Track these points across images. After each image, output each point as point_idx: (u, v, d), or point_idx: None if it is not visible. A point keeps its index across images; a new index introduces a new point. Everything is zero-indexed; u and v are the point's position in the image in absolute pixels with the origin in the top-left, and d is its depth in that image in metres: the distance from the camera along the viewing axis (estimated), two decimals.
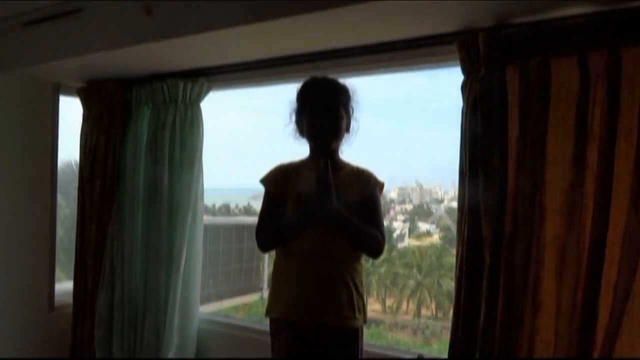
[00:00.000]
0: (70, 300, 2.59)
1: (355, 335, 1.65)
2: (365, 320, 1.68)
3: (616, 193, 1.43)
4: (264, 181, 1.76)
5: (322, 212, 1.56)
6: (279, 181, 1.73)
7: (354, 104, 1.73)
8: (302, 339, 1.63)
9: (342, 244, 1.63)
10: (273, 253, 1.77)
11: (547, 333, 1.49)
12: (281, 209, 1.68)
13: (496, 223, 1.55)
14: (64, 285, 2.75)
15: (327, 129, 1.67)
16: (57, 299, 2.64)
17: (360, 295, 1.66)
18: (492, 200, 1.56)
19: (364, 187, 1.71)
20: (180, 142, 2.33)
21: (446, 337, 1.71)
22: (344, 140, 1.73)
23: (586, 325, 1.47)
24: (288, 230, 1.64)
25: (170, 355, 2.25)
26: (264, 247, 1.73)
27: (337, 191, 1.58)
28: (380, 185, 1.75)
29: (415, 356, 1.84)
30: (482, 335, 1.54)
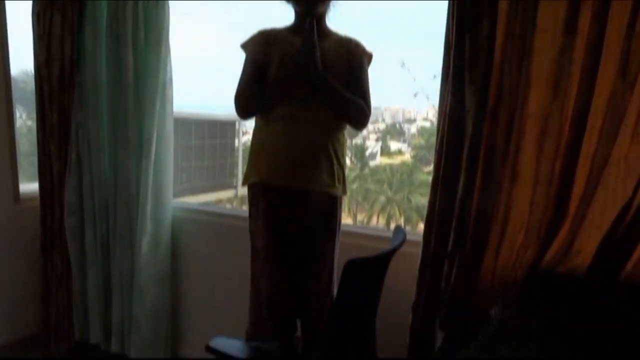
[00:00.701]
0: (37, 194, 2.49)
1: (334, 204, 1.63)
2: (344, 191, 1.66)
3: (605, 60, 1.39)
4: (245, 46, 1.65)
5: (305, 74, 1.47)
6: (261, 45, 1.61)
7: None
8: (281, 203, 1.60)
9: (325, 111, 1.57)
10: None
11: (523, 202, 1.51)
12: (262, 75, 1.58)
13: (481, 93, 1.50)
14: (30, 185, 2.63)
15: None
16: (23, 193, 2.54)
17: (341, 166, 1.63)
18: (477, 70, 1.50)
19: (351, 55, 1.61)
20: (145, 21, 2.13)
21: None
22: (331, 6, 1.61)
23: (561, 194, 1.49)
24: (270, 94, 1.56)
25: (144, 241, 2.22)
26: (244, 112, 1.62)
27: (323, 59, 1.49)
28: (368, 56, 1.66)
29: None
30: (459, 205, 1.55)
